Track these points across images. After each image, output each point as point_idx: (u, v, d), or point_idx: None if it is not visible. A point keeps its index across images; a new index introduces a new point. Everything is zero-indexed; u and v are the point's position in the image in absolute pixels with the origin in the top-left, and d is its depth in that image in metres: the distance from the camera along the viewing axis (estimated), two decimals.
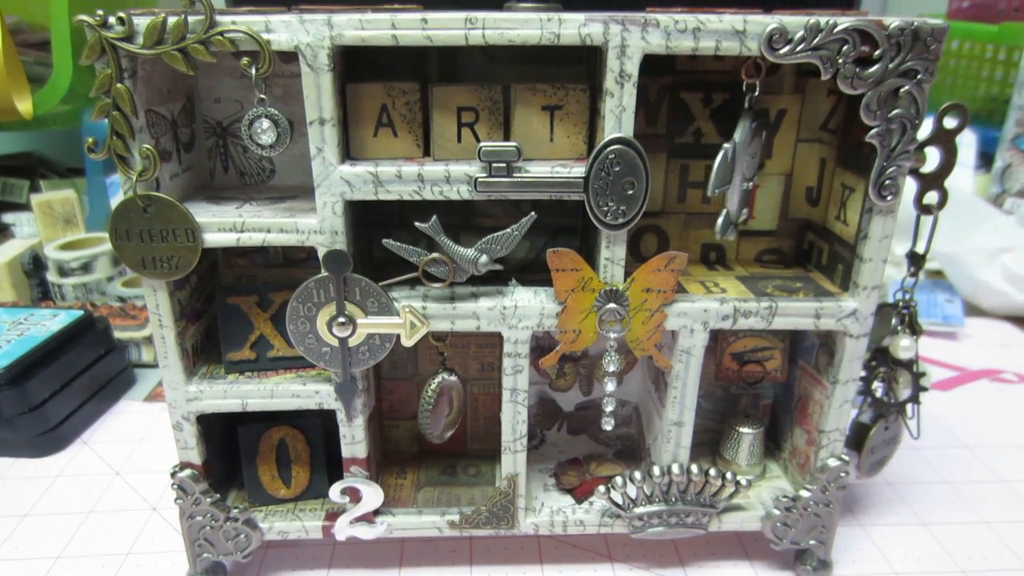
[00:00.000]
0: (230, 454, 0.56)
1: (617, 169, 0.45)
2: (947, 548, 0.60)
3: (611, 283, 0.48)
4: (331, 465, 0.56)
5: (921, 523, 0.62)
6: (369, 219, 0.54)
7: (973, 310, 1.04)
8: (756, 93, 0.47)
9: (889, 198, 0.46)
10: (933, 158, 0.48)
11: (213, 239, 0.47)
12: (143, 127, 0.44)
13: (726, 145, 0.47)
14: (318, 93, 0.43)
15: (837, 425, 0.52)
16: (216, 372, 0.52)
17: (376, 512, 0.54)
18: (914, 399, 0.56)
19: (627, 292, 0.48)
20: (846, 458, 0.53)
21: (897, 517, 0.63)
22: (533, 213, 0.47)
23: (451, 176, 0.45)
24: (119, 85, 0.43)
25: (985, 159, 1.25)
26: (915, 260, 0.52)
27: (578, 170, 0.45)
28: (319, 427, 0.56)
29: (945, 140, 0.48)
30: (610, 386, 0.50)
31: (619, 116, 0.44)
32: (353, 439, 0.52)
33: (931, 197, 0.49)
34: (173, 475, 0.52)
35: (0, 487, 0.68)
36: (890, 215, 0.47)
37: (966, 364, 0.91)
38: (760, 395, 0.60)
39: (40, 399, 0.71)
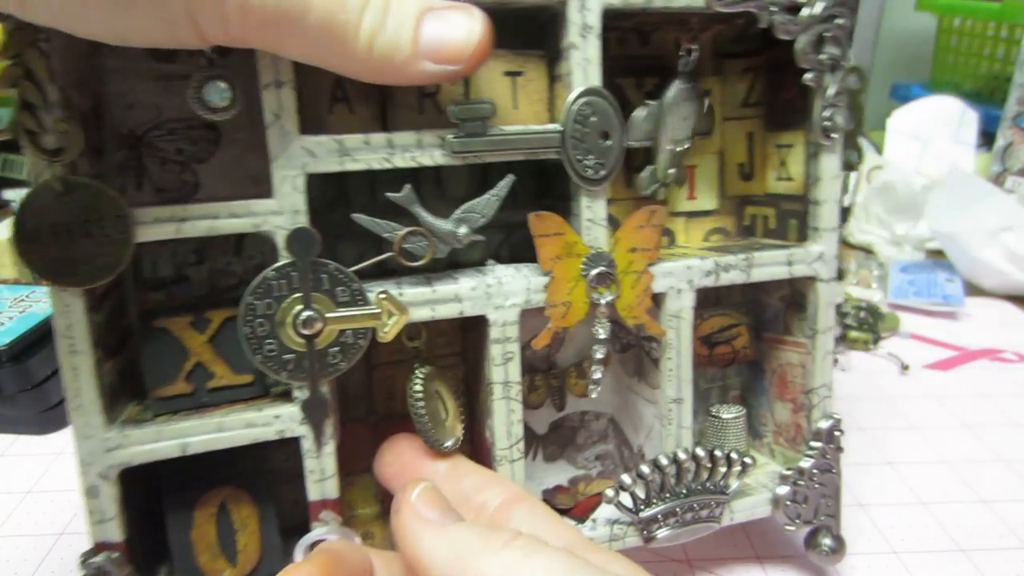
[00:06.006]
0: (153, 521, 0.44)
1: (593, 120, 0.44)
2: (946, 527, 0.59)
3: (596, 246, 0.46)
4: (286, 530, 0.46)
5: (921, 503, 0.62)
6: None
7: (973, 289, 1.04)
8: (692, 57, 0.49)
9: (834, 135, 0.49)
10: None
11: (148, 231, 0.39)
12: (59, 101, 0.38)
13: (648, 102, 0.49)
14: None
15: (824, 380, 0.51)
16: (141, 415, 0.42)
17: None
18: (843, 338, 0.58)
19: (613, 254, 0.46)
20: (837, 416, 0.52)
21: (896, 497, 0.62)
22: (511, 175, 0.44)
23: (423, 141, 0.42)
24: (32, 48, 0.37)
25: (986, 138, 1.25)
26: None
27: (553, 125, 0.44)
28: (264, 485, 0.46)
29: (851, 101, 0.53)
30: (599, 354, 0.47)
31: (585, 69, 0.44)
32: (323, 474, 0.43)
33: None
34: (84, 562, 0.40)
35: (2, 464, 0.68)
36: (835, 154, 0.49)
37: (966, 344, 0.91)
38: (727, 386, 0.59)
39: (42, 376, 0.70)
